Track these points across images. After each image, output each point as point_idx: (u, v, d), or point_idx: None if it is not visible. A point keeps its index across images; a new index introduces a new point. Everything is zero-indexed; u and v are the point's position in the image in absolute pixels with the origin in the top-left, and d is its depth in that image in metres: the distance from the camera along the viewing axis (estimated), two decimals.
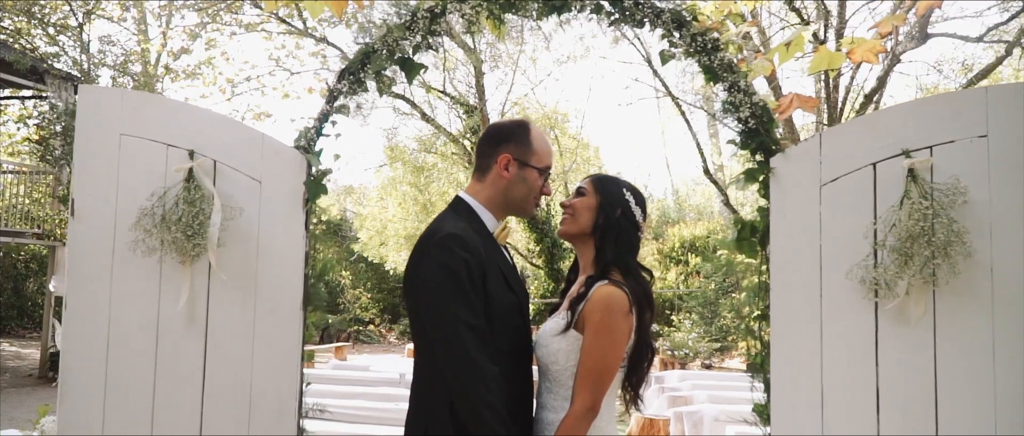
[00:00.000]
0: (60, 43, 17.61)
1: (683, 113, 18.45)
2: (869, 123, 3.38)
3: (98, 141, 3.55)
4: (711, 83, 3.55)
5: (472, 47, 20.76)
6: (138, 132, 3.57)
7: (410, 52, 3.66)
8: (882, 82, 14.75)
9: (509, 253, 2.87)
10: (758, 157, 3.53)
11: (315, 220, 27.35)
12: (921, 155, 3.23)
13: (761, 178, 3.52)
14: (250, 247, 3.60)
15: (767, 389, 3.47)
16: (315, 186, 3.65)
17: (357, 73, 3.63)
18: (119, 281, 3.53)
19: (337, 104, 3.66)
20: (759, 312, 3.55)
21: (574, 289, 2.77)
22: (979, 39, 15.35)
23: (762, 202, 3.57)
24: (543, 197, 2.84)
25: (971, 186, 3.14)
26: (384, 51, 3.61)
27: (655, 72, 18.52)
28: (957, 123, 3.22)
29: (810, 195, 3.40)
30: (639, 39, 18.35)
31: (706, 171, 17.98)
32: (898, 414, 3.23)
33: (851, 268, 3.27)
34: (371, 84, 3.69)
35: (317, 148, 3.69)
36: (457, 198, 2.77)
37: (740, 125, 3.50)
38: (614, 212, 2.75)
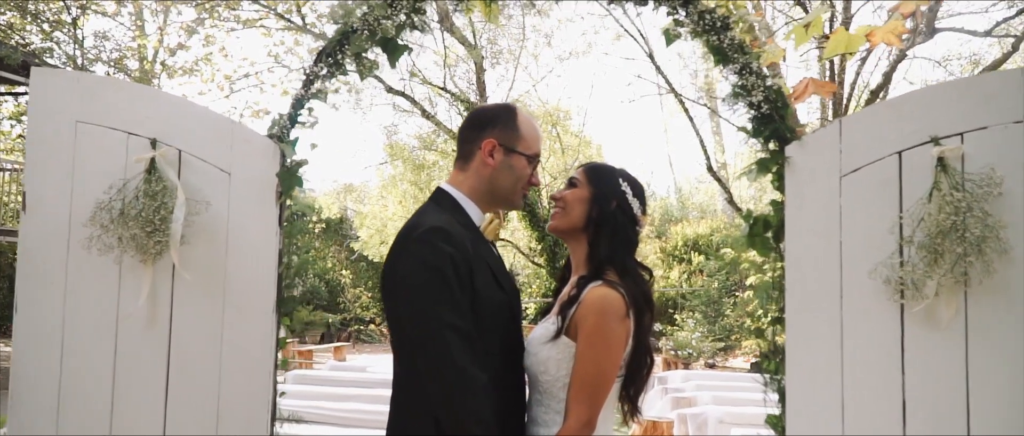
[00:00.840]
0: (55, 39, 17.39)
1: (686, 109, 18.30)
2: (894, 108, 3.09)
3: (52, 128, 3.26)
4: (720, 65, 3.27)
5: (473, 43, 20.59)
6: (96, 119, 3.28)
7: (393, 32, 3.36)
8: (887, 78, 14.53)
9: (497, 249, 2.60)
10: (771, 145, 3.25)
11: (315, 218, 27.31)
12: (951, 142, 2.95)
13: (775, 168, 3.24)
14: (218, 244, 3.32)
15: (781, 399, 3.19)
16: (289, 178, 3.36)
17: (335, 55, 3.35)
18: (75, 280, 3.24)
19: (314, 89, 3.38)
20: (773, 315, 3.26)
21: (565, 291, 2.51)
22: (987, 34, 15.15)
23: (775, 195, 3.29)
24: (531, 187, 2.60)
25: (1007, 176, 2.87)
26: (364, 31, 3.32)
27: (658, 68, 18.40)
28: (990, 107, 2.94)
29: (829, 187, 3.11)
30: (642, 35, 18.17)
31: (710, 168, 17.81)
32: (926, 426, 2.96)
33: (875, 267, 2.98)
34: (351, 67, 3.41)
35: (292, 137, 3.40)
36: (439, 189, 2.53)
37: (752, 111, 3.21)
38: (608, 204, 2.51)
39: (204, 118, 3.38)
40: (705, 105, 21.34)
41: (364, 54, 3.37)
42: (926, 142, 2.98)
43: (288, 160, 3.37)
